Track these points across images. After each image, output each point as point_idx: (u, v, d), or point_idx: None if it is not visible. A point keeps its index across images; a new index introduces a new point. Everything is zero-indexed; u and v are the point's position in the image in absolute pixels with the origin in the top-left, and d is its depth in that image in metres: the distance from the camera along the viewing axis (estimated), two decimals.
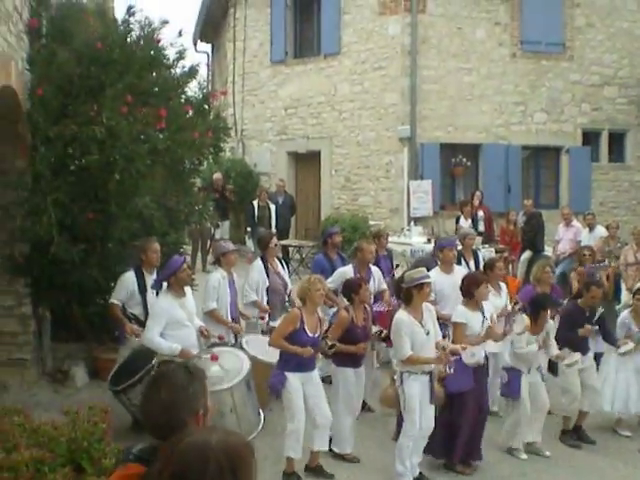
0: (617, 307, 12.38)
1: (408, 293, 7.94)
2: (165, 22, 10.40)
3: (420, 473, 8.16)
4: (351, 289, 8.73)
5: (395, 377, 8.15)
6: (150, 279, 9.17)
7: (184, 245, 12.73)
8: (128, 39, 10.09)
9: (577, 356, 9.37)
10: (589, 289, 9.70)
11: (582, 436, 9.68)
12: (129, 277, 9.17)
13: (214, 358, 8.06)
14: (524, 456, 8.99)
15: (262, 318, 10.27)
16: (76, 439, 5.22)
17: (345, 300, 8.99)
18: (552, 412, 9.62)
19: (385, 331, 9.07)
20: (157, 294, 8.92)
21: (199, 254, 18.69)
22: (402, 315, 7.95)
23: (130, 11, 10.25)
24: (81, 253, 9.26)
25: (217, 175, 19.50)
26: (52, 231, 8.95)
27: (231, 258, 9.88)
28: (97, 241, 9.81)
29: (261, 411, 8.15)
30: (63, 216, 9.19)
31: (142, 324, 9.02)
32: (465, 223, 16.85)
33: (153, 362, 8.02)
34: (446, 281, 9.83)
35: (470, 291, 8.62)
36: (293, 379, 7.79)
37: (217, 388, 7.53)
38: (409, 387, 7.89)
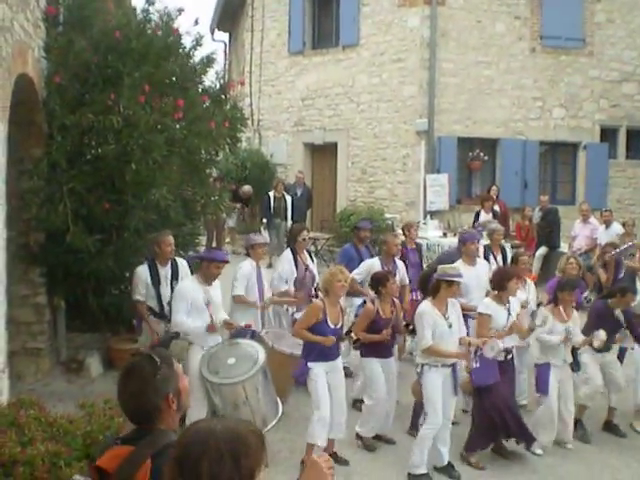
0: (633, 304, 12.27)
1: (437, 285, 8.04)
2: (181, 10, 10.38)
3: (449, 463, 8.25)
4: (379, 282, 8.77)
5: (417, 369, 8.24)
6: (163, 271, 9.16)
7: (199, 236, 12.72)
8: (146, 28, 10.06)
9: (603, 334, 9.31)
10: (625, 294, 9.63)
11: (613, 430, 9.68)
12: (143, 271, 9.14)
13: (211, 328, 8.23)
14: (539, 451, 8.95)
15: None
16: (92, 433, 5.21)
17: (372, 292, 9.00)
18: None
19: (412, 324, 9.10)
20: (174, 281, 9.03)
21: (214, 244, 18.69)
22: (426, 306, 8.08)
23: (149, 0, 10.22)
24: (97, 243, 9.27)
25: (246, 188, 19.75)
26: (68, 220, 8.97)
27: (259, 251, 9.99)
28: (113, 231, 9.82)
29: (279, 402, 8.14)
30: (79, 206, 9.20)
31: (157, 316, 9.09)
32: (486, 217, 16.75)
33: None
34: (469, 274, 9.81)
35: (502, 284, 8.67)
36: (317, 368, 7.89)
37: (229, 381, 7.63)
38: (429, 379, 7.99)
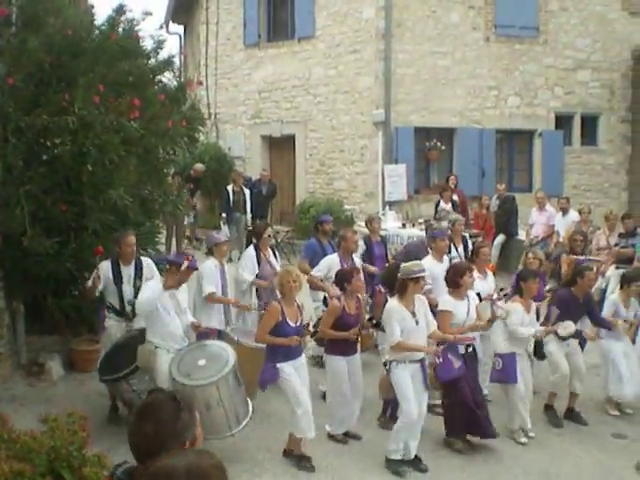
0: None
1: (403, 284, 8.11)
2: (148, 13, 10.28)
3: (415, 456, 8.33)
4: (344, 278, 8.80)
5: (386, 367, 8.33)
6: (126, 270, 9.16)
7: (158, 234, 12.66)
8: (97, 29, 9.97)
9: (572, 326, 9.45)
10: (583, 275, 9.78)
11: (575, 418, 9.81)
12: (105, 266, 9.12)
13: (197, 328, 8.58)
14: (524, 440, 9.08)
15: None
16: (55, 448, 5.18)
17: (337, 288, 9.05)
18: (536, 392, 9.72)
19: (375, 320, 9.17)
20: (137, 280, 9.09)
21: (173, 240, 18.59)
22: (394, 303, 8.15)
23: (119, 10, 10.13)
24: (55, 245, 9.18)
25: (198, 165, 19.61)
26: (25, 223, 8.86)
27: (223, 248, 10.09)
28: (71, 233, 9.74)
29: (249, 400, 8.17)
30: (36, 208, 9.10)
31: (118, 314, 9.06)
32: (446, 207, 16.85)
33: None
34: (438, 269, 9.91)
35: (455, 280, 8.79)
36: (286, 367, 7.95)
37: (203, 382, 7.68)
38: (399, 375, 8.08)
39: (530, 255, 10.79)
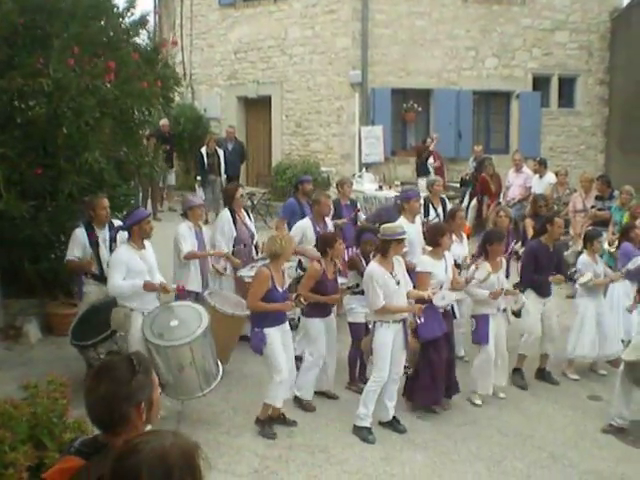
0: (565, 253, 12.52)
1: (385, 245, 8.09)
2: None
3: (394, 417, 8.40)
4: (326, 243, 8.81)
5: (369, 326, 8.37)
6: (101, 234, 9.10)
7: (134, 196, 12.60)
8: None
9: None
10: (552, 222, 9.85)
11: (546, 377, 9.93)
12: (80, 233, 9.05)
13: (180, 290, 8.56)
14: (478, 402, 9.17)
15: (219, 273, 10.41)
16: (36, 415, 5.18)
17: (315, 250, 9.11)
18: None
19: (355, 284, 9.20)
20: (112, 243, 8.98)
21: (149, 202, 18.50)
22: (374, 266, 8.14)
23: None
24: (31, 209, 9.11)
25: (164, 121, 19.24)
26: (0, 187, 8.77)
27: (198, 212, 10.05)
28: (47, 196, 9.68)
29: (219, 363, 8.18)
30: (11, 172, 9.02)
31: (98, 279, 9.01)
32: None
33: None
34: (411, 230, 9.92)
35: (435, 240, 8.82)
36: (274, 333, 7.95)
37: (176, 343, 7.62)
38: (381, 335, 8.10)
39: (502, 213, 10.80)
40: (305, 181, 11.93)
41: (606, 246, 11.99)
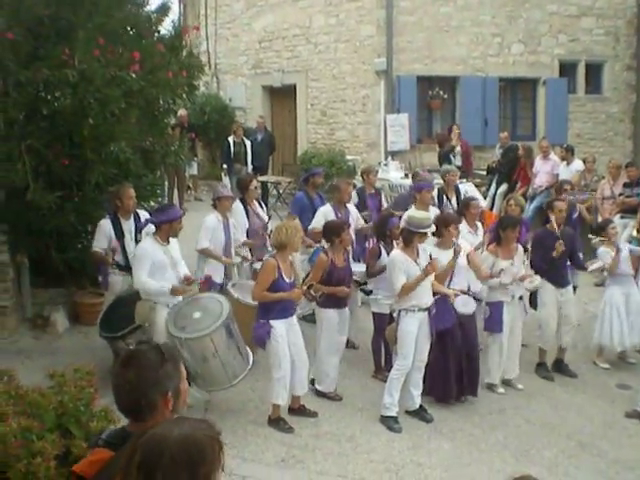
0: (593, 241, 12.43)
1: (409, 236, 8.13)
2: None
3: (420, 406, 8.44)
4: (333, 232, 8.75)
5: (394, 315, 8.39)
6: (127, 225, 9.16)
7: (160, 186, 12.63)
8: None
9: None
10: (552, 207, 9.85)
11: (563, 370, 9.84)
12: (105, 224, 9.12)
13: (205, 281, 8.74)
14: (502, 390, 9.15)
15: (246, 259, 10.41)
16: (63, 403, 5.21)
17: (325, 241, 9.03)
18: (526, 345, 9.76)
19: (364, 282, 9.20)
20: (138, 234, 9.01)
21: (175, 191, 18.53)
22: (397, 253, 8.21)
23: None
24: (58, 199, 9.18)
25: (182, 111, 19.18)
26: (27, 178, 8.85)
27: (226, 204, 9.94)
28: (73, 186, 9.76)
29: (250, 352, 8.18)
30: (38, 162, 9.11)
31: (123, 269, 9.06)
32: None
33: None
34: None
35: (439, 231, 8.81)
36: (279, 326, 7.84)
37: (195, 335, 7.66)
38: (406, 324, 8.12)
39: (512, 202, 10.62)
40: (316, 174, 11.77)
41: (635, 233, 11.91)
